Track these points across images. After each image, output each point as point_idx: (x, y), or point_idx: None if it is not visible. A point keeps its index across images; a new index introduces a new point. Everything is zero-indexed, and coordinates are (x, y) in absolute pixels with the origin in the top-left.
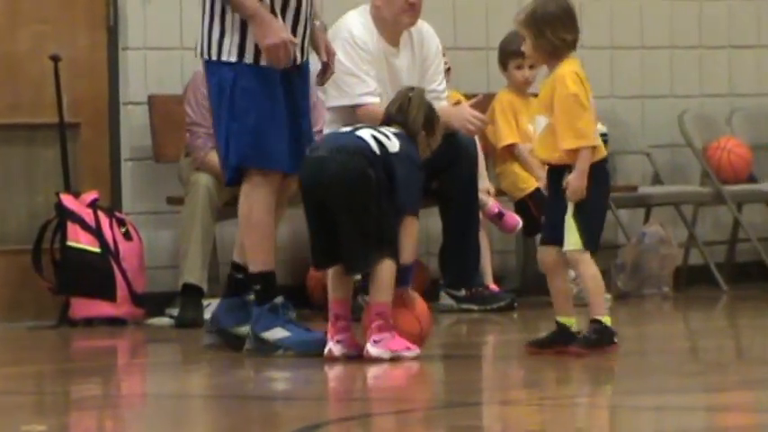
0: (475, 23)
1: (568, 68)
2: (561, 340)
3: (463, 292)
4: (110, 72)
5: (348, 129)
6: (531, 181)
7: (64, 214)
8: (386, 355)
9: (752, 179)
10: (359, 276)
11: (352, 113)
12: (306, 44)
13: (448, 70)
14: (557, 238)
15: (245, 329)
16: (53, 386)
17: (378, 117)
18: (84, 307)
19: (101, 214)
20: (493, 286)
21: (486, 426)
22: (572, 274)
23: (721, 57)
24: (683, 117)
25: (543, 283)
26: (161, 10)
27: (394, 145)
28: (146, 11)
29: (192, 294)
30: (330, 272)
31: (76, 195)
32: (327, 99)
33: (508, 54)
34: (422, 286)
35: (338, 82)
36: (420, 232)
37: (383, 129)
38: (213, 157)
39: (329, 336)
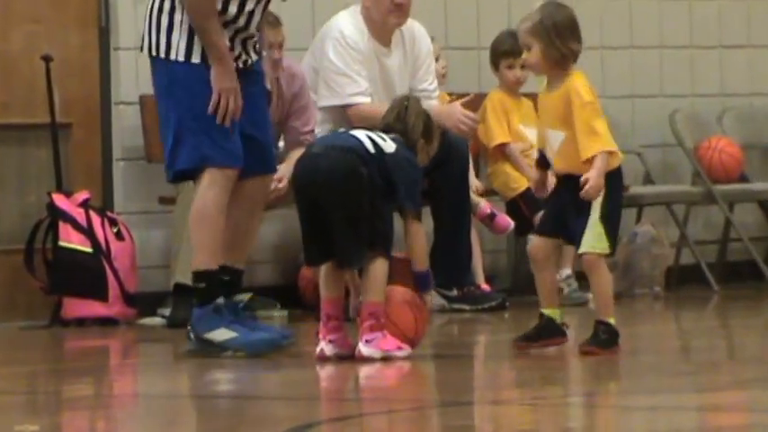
0: (466, 23)
1: (581, 80)
2: (547, 333)
3: (455, 292)
4: (101, 72)
5: (343, 129)
6: (523, 180)
7: (56, 214)
8: (377, 354)
9: (743, 179)
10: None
11: (343, 113)
12: (257, 47)
13: (443, 75)
14: (558, 234)
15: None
16: (45, 386)
17: (369, 117)
18: (76, 307)
19: (92, 214)
20: (484, 286)
21: (477, 425)
22: (563, 274)
23: (712, 56)
24: (674, 117)
25: (534, 282)
26: None
27: (390, 146)
28: (137, 11)
29: (183, 294)
30: (322, 271)
31: (68, 195)
32: (319, 99)
33: (500, 54)
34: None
35: (329, 82)
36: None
37: (378, 132)
38: None
39: (321, 335)
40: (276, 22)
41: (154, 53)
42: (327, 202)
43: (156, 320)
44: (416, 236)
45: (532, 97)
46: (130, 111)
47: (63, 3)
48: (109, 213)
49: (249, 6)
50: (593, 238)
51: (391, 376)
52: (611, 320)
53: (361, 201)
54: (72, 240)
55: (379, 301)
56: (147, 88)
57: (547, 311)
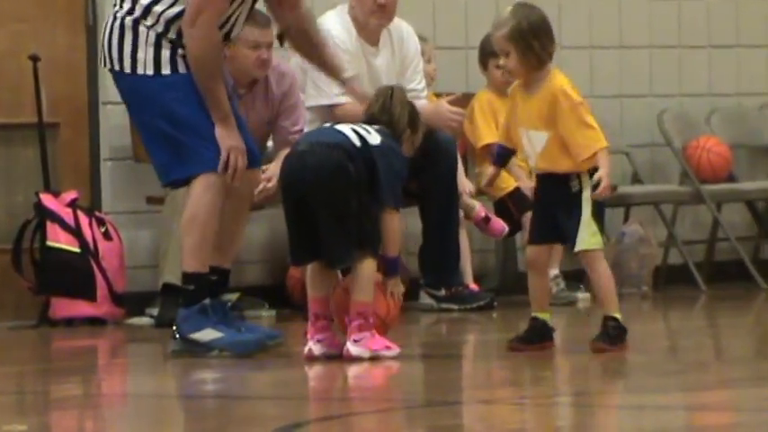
0: (454, 23)
1: (563, 80)
2: (541, 336)
3: (443, 292)
4: (89, 72)
5: (328, 124)
6: (511, 180)
7: (43, 214)
8: (366, 354)
9: (731, 178)
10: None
11: (330, 113)
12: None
13: (432, 78)
14: (549, 238)
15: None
16: (34, 386)
17: (356, 116)
18: (64, 307)
19: (80, 214)
20: (472, 286)
21: (466, 425)
22: (551, 274)
23: (701, 56)
24: (663, 116)
25: (523, 282)
26: None
27: (375, 138)
28: None
29: (172, 294)
30: (309, 270)
31: (56, 195)
32: (307, 99)
33: (488, 54)
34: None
35: (317, 81)
36: (400, 231)
37: (363, 125)
38: None
39: (309, 335)
40: (266, 23)
41: (117, 68)
42: (315, 200)
43: (145, 320)
44: (390, 223)
45: None
46: (118, 110)
47: (50, 2)
48: (97, 213)
49: (233, 18)
50: (588, 236)
51: (379, 376)
52: (618, 315)
53: (348, 198)
54: (60, 240)
55: (368, 301)
56: None
57: (540, 315)
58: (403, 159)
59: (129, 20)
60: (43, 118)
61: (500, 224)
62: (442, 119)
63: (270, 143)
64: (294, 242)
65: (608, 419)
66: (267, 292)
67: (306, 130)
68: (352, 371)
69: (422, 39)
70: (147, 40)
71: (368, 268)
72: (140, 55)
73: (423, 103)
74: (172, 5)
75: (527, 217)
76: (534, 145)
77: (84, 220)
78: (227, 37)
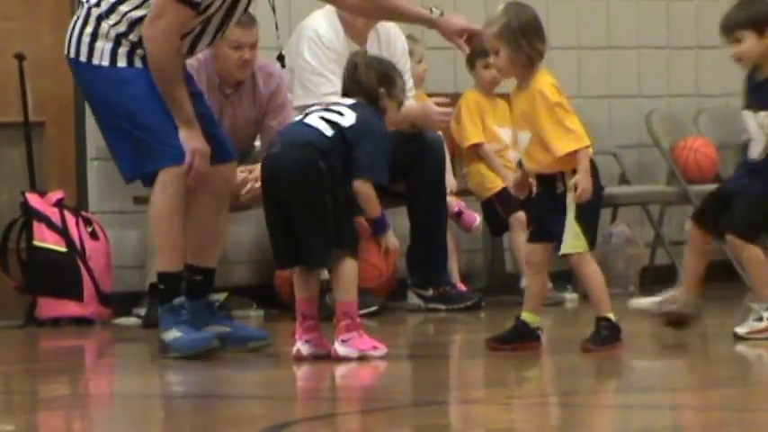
0: None
1: (545, 80)
2: (521, 335)
3: (430, 292)
4: None
5: (299, 117)
6: (498, 181)
7: (30, 213)
8: (354, 354)
9: (718, 179)
10: (327, 276)
11: None
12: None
13: (422, 79)
14: (548, 237)
15: (211, 330)
16: (21, 386)
17: None
18: (51, 307)
19: (67, 213)
20: (460, 286)
21: (452, 424)
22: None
23: (688, 57)
24: (650, 117)
25: (510, 282)
26: None
27: (348, 118)
28: None
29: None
30: (296, 271)
31: (42, 194)
32: (294, 98)
33: (476, 54)
34: (390, 285)
35: (304, 81)
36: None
37: (335, 106)
38: None
39: (297, 335)
40: (251, 22)
41: (73, 55)
42: (292, 202)
43: (132, 320)
44: (362, 189)
45: (507, 98)
46: None
47: (36, 1)
48: (83, 213)
49: (197, 30)
50: (572, 238)
51: (367, 376)
52: (611, 315)
53: (322, 196)
54: (46, 240)
55: (352, 301)
56: None
57: (524, 315)
58: (383, 130)
59: (94, 12)
60: (29, 117)
61: (472, 216)
62: (430, 119)
63: (258, 142)
64: (276, 246)
65: (595, 419)
66: (255, 292)
67: None
68: (340, 371)
69: (413, 39)
70: (107, 35)
71: (348, 268)
72: (98, 44)
73: (410, 103)
74: (137, 7)
75: (514, 217)
76: (521, 144)
77: (70, 219)
78: (191, 49)
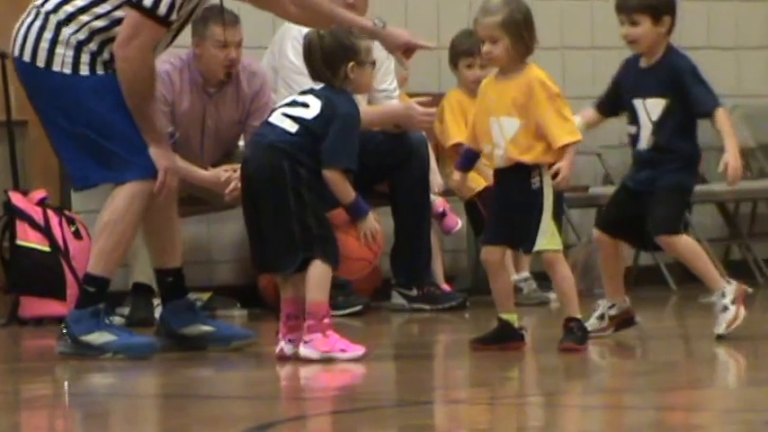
0: (426, 23)
1: (540, 71)
2: (504, 336)
3: (415, 292)
4: None
5: (264, 117)
6: (480, 180)
7: (13, 213)
8: (315, 355)
9: (702, 180)
10: None
11: None
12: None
13: (405, 79)
14: (506, 239)
15: (193, 330)
16: (4, 385)
17: None
18: (34, 306)
19: (50, 213)
20: (444, 286)
21: (437, 424)
22: (521, 276)
23: None
24: None
25: None
26: None
27: (313, 110)
28: None
29: (142, 294)
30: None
31: (25, 194)
32: (278, 98)
33: (459, 53)
34: (374, 285)
35: (288, 81)
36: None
37: (301, 96)
38: None
39: (281, 335)
40: (235, 21)
41: (28, 59)
42: (261, 206)
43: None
44: (332, 178)
45: None
46: None
47: None
48: (67, 212)
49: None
50: (548, 236)
51: (351, 376)
52: (580, 316)
53: (286, 199)
54: (29, 239)
55: (320, 301)
56: None
57: (504, 316)
58: (350, 113)
59: (53, 18)
60: (12, 116)
61: (453, 220)
62: (414, 119)
63: (241, 143)
64: (254, 251)
65: (578, 419)
66: (239, 292)
67: None
68: (324, 371)
69: None
70: (67, 42)
71: (316, 269)
72: (59, 50)
73: (394, 102)
74: (99, 17)
75: None
76: (505, 132)
77: (53, 218)
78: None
